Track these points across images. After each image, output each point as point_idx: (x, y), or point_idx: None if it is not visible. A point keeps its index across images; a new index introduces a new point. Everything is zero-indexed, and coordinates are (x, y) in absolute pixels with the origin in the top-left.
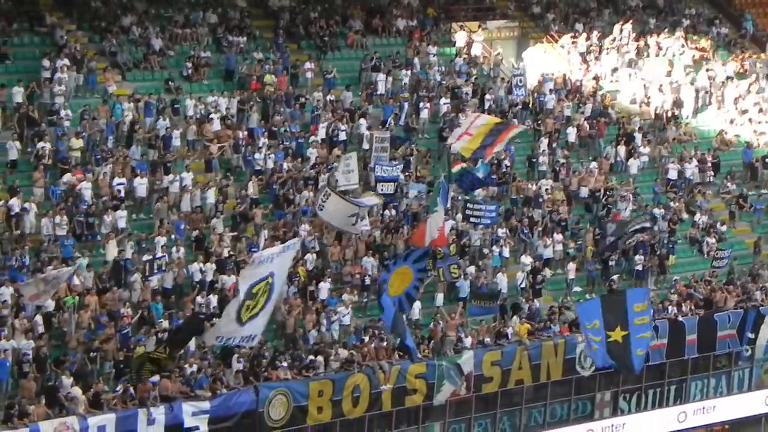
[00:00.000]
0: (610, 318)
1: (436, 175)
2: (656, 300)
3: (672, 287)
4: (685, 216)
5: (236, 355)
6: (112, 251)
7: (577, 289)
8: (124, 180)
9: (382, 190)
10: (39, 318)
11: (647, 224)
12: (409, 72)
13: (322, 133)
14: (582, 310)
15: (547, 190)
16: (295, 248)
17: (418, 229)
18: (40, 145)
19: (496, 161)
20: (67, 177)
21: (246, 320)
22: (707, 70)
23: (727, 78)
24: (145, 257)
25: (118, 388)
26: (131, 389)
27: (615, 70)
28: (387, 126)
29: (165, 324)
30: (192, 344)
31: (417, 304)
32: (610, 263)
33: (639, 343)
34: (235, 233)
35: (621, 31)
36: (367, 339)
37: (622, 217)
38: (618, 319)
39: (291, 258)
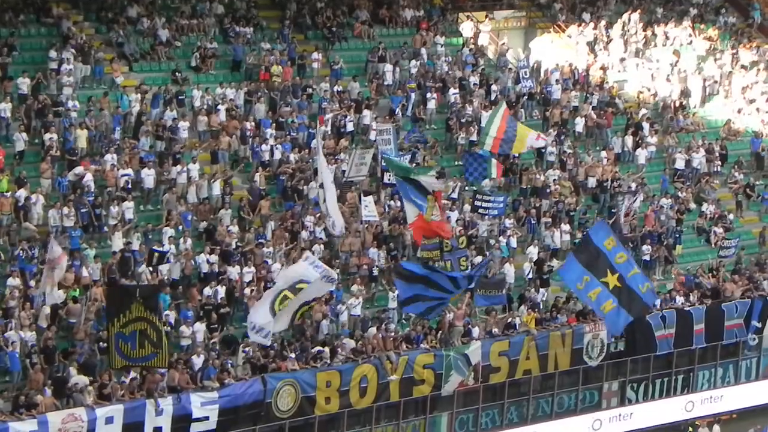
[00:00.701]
0: (593, 265)
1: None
2: (662, 290)
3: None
4: (692, 206)
5: (242, 345)
6: (118, 243)
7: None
8: (130, 171)
9: (389, 180)
10: (46, 309)
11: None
12: (416, 63)
13: (328, 124)
14: (564, 274)
15: (554, 180)
16: (332, 284)
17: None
18: (47, 136)
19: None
20: (79, 170)
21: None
22: (715, 60)
23: (736, 67)
24: (151, 247)
25: (123, 379)
26: (138, 377)
27: (622, 59)
28: (395, 116)
29: (172, 316)
30: (200, 336)
31: None
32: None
33: (636, 280)
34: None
35: (629, 20)
36: (375, 330)
37: (631, 210)
38: (602, 263)
39: (324, 289)
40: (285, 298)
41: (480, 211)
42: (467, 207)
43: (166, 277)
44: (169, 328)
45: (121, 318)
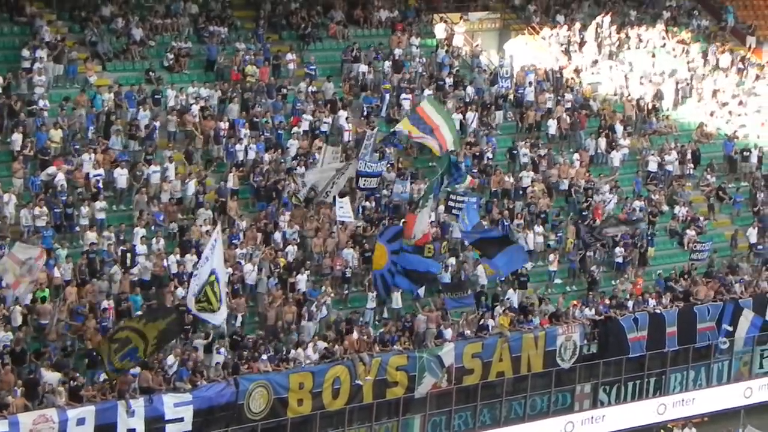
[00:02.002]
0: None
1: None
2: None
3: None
4: (665, 208)
5: (217, 346)
6: (88, 243)
7: (557, 281)
8: (101, 171)
9: (364, 185)
10: (18, 309)
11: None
12: (390, 63)
13: (305, 124)
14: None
15: (531, 181)
16: (219, 238)
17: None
18: (15, 137)
19: (478, 153)
20: (51, 170)
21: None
22: (688, 63)
23: (709, 70)
24: (122, 248)
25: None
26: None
27: (596, 62)
28: (369, 118)
29: None
30: None
31: (397, 295)
32: (588, 255)
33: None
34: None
35: (602, 23)
36: (349, 331)
37: (603, 211)
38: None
39: (220, 247)
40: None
41: (453, 211)
42: (441, 208)
43: (137, 278)
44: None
45: (141, 321)
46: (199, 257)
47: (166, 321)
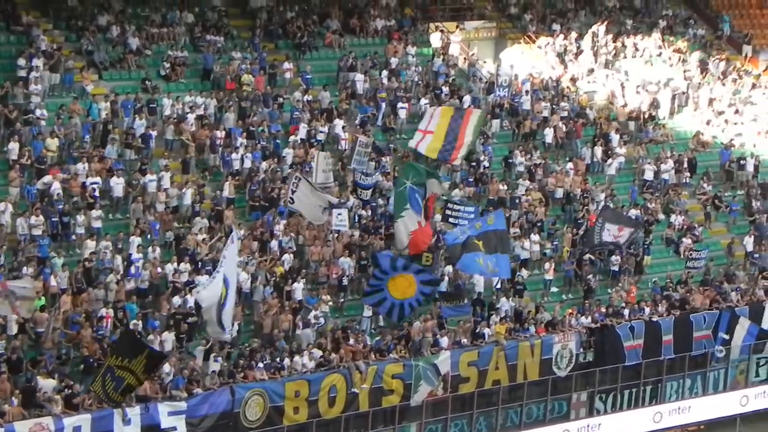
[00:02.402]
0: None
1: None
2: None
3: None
4: (661, 217)
5: (213, 354)
6: (87, 252)
7: (554, 289)
8: (98, 180)
9: (360, 195)
10: (13, 318)
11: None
12: (386, 72)
13: (302, 133)
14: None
15: (525, 189)
16: (233, 243)
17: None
18: (12, 146)
19: (475, 162)
20: (48, 178)
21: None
22: (684, 72)
23: (705, 78)
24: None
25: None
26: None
27: (592, 71)
28: (365, 126)
29: (139, 325)
30: (169, 344)
31: None
32: (585, 263)
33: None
34: (211, 235)
35: (597, 32)
36: (346, 339)
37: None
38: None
39: (233, 251)
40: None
41: (450, 220)
42: (438, 216)
43: (134, 286)
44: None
45: (122, 360)
46: (195, 265)
47: (144, 356)
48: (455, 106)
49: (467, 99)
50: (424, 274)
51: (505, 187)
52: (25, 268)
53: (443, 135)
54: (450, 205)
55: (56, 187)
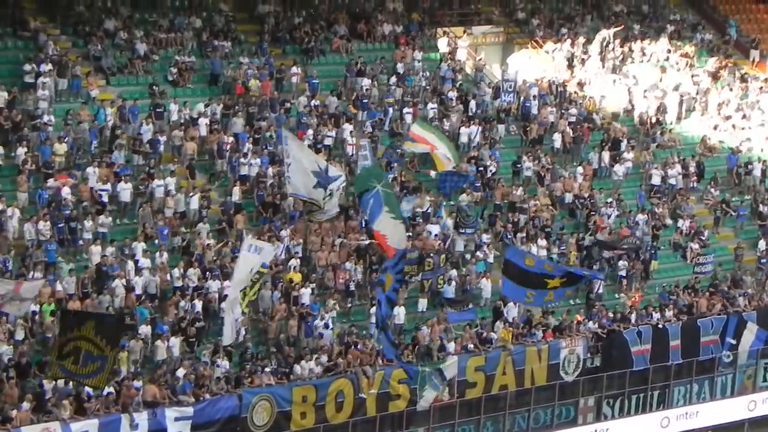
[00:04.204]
0: (527, 281)
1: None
2: (638, 307)
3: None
4: (668, 221)
5: (219, 360)
6: (94, 257)
7: None
8: (108, 186)
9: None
10: (21, 323)
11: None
12: (394, 77)
13: (309, 138)
14: (508, 293)
15: (526, 193)
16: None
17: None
18: (19, 151)
19: (482, 167)
20: (50, 182)
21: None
22: (692, 76)
23: (713, 83)
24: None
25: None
26: (113, 392)
27: (599, 75)
28: (372, 132)
29: (147, 329)
30: (176, 349)
31: (401, 310)
32: (594, 267)
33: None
34: (219, 240)
35: (605, 38)
36: (352, 345)
37: (605, 224)
38: (534, 278)
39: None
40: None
41: (460, 229)
42: (449, 222)
43: (141, 292)
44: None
45: (68, 333)
46: (202, 272)
47: (92, 320)
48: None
49: (473, 104)
50: (398, 261)
51: (519, 192)
52: (32, 273)
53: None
54: (462, 213)
55: (66, 192)
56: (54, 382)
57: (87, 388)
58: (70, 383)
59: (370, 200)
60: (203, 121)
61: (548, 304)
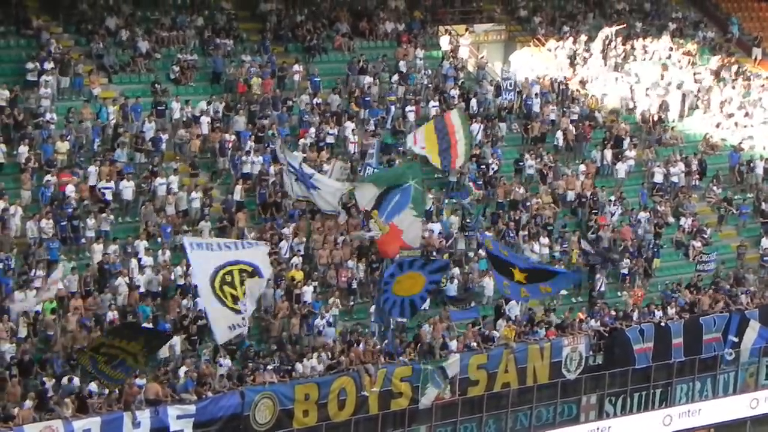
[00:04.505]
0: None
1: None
2: (640, 305)
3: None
4: (671, 220)
5: (221, 358)
6: (96, 255)
7: (563, 292)
8: (111, 184)
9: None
10: (23, 321)
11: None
12: (396, 75)
13: (311, 136)
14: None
15: (536, 193)
16: (258, 245)
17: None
18: (22, 149)
19: (484, 165)
20: (48, 177)
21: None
22: (694, 74)
23: (715, 81)
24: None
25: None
26: (116, 391)
27: (602, 73)
28: (374, 130)
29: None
30: (178, 348)
31: None
32: (597, 265)
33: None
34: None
35: (607, 36)
36: (355, 343)
37: (607, 222)
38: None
39: (263, 252)
40: (224, 292)
41: (466, 232)
42: (452, 219)
43: (144, 290)
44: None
45: (116, 341)
46: None
47: (141, 341)
48: (432, 116)
49: (474, 102)
50: (431, 264)
51: (520, 190)
52: (34, 271)
53: (436, 147)
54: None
55: (69, 190)
56: (54, 379)
57: (91, 386)
58: (74, 380)
59: (397, 194)
60: (205, 119)
61: (525, 300)
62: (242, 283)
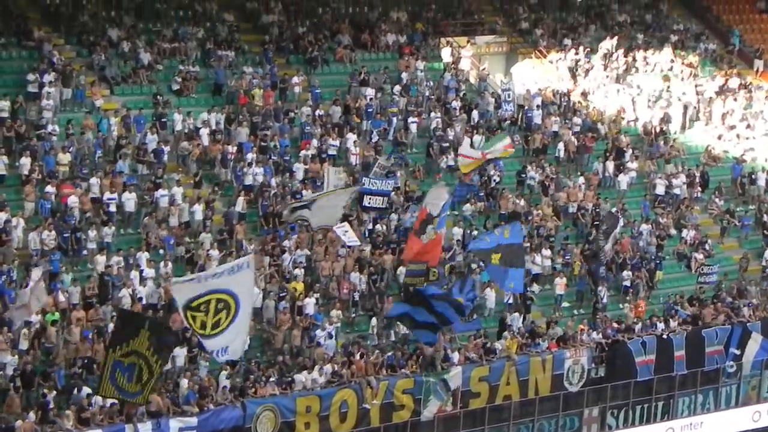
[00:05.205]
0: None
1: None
2: (643, 317)
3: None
4: (673, 231)
5: (224, 372)
6: (99, 267)
7: (565, 304)
8: (115, 195)
9: (369, 203)
10: (25, 332)
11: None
12: (398, 87)
13: (313, 148)
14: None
15: (537, 205)
16: (248, 267)
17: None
18: (24, 161)
19: (486, 177)
20: (48, 188)
21: (209, 333)
22: (696, 86)
23: (716, 93)
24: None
25: (102, 403)
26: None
27: (603, 85)
28: (376, 141)
29: None
30: (182, 359)
31: None
32: (601, 275)
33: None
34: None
35: (608, 48)
36: (357, 355)
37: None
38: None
39: (248, 277)
40: (203, 325)
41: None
42: (456, 231)
43: (146, 302)
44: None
45: (123, 347)
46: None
47: (146, 329)
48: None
49: (475, 114)
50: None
51: (521, 202)
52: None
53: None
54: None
55: (72, 202)
56: (55, 392)
57: (97, 398)
58: (84, 389)
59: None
60: (204, 131)
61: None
62: (217, 312)
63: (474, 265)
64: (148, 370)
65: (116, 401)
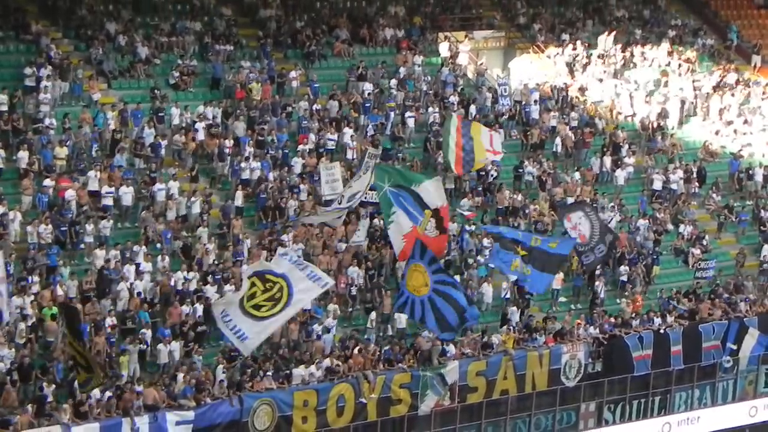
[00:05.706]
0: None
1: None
2: (640, 312)
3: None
4: (670, 227)
5: (221, 366)
6: (98, 261)
7: (562, 299)
8: (113, 189)
9: (366, 198)
10: (21, 326)
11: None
12: (395, 81)
13: (311, 142)
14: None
15: (534, 200)
16: (320, 287)
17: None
18: (21, 154)
19: (484, 172)
20: (47, 182)
21: (247, 312)
22: (693, 81)
23: (713, 88)
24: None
25: (99, 396)
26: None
27: (601, 80)
28: (373, 136)
29: (148, 333)
30: (177, 354)
31: (402, 315)
32: (597, 272)
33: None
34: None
35: (606, 42)
36: (354, 349)
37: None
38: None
39: (313, 292)
40: (253, 296)
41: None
42: (451, 227)
43: (143, 296)
44: (144, 346)
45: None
46: (203, 276)
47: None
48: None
49: (473, 109)
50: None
51: (518, 197)
52: (31, 276)
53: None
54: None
55: (70, 195)
56: (54, 385)
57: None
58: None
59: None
60: (200, 125)
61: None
62: (271, 298)
63: (471, 260)
64: (79, 355)
65: (112, 394)
